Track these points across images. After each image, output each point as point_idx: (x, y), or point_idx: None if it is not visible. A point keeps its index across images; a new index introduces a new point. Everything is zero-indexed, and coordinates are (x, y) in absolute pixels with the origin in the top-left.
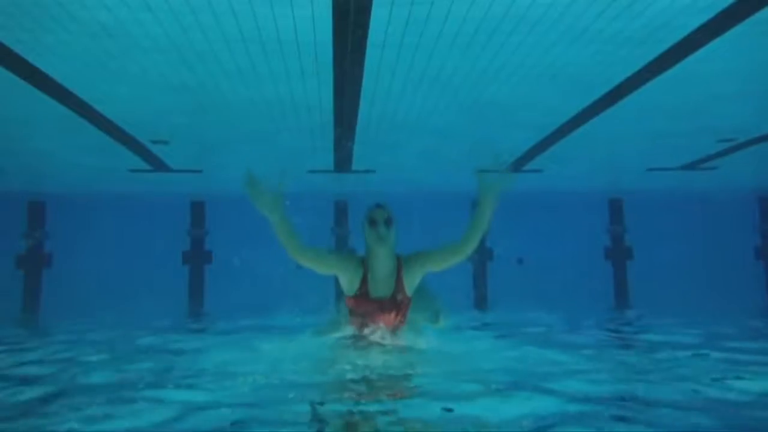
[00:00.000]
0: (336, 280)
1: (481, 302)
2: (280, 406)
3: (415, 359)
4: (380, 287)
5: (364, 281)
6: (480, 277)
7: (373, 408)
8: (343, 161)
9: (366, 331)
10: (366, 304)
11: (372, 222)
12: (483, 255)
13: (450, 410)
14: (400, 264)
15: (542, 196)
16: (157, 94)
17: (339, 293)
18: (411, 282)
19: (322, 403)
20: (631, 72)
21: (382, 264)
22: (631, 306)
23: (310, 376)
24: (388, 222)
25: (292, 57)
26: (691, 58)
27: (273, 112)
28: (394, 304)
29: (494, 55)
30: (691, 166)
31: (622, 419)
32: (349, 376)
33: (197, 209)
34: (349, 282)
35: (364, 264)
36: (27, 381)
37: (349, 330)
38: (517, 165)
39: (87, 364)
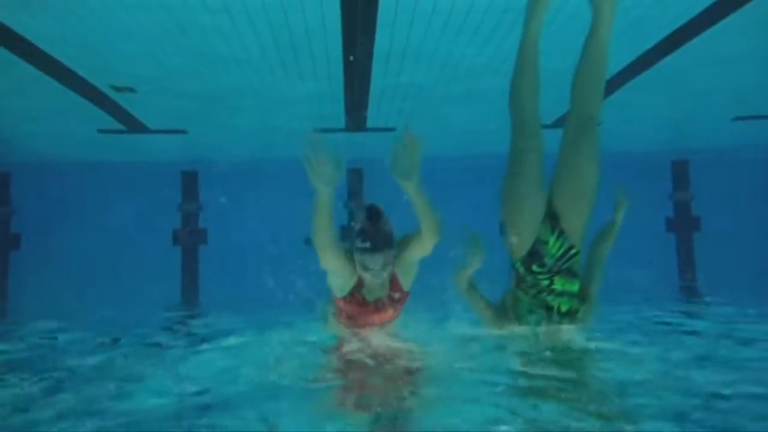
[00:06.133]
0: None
1: None
2: None
3: None
4: (375, 293)
5: (358, 288)
6: None
7: None
8: (356, 115)
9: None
10: (358, 307)
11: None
12: None
13: None
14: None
15: None
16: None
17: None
18: (407, 279)
19: None
20: None
21: (377, 285)
22: (698, 288)
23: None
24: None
25: None
26: None
27: (266, 50)
28: (391, 301)
29: None
30: None
31: None
32: None
33: (189, 180)
34: (340, 287)
35: (359, 275)
36: None
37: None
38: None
39: None
